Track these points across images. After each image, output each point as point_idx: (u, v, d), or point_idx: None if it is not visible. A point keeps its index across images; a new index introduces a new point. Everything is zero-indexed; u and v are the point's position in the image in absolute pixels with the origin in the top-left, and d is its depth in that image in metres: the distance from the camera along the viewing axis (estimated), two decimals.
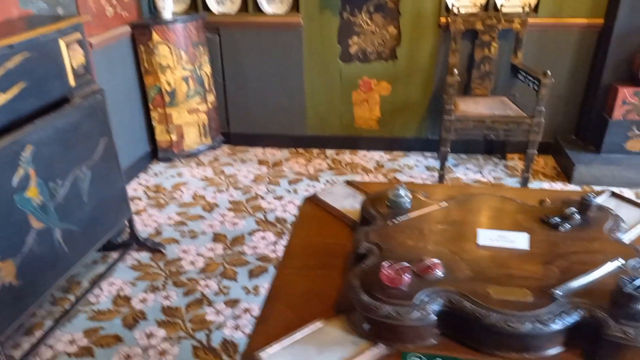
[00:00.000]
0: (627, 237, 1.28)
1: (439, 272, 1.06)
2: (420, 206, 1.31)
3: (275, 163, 3.45)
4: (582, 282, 1.02)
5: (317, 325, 1.04)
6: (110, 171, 2.22)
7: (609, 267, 1.06)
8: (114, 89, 2.94)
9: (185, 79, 3.21)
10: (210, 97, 3.42)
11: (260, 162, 3.46)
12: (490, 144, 3.49)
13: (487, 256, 1.12)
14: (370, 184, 1.72)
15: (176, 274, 2.36)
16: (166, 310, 2.13)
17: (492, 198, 1.35)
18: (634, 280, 0.97)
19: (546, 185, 3.06)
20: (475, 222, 1.25)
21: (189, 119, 3.34)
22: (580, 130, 3.33)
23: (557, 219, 1.22)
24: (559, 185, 3.04)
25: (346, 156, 3.54)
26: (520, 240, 1.15)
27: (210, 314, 2.11)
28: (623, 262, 1.07)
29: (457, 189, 1.57)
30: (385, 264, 1.05)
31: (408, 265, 1.05)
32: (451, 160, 3.42)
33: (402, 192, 1.30)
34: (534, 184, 3.05)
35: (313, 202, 1.52)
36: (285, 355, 0.97)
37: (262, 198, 2.99)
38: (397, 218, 1.26)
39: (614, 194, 1.48)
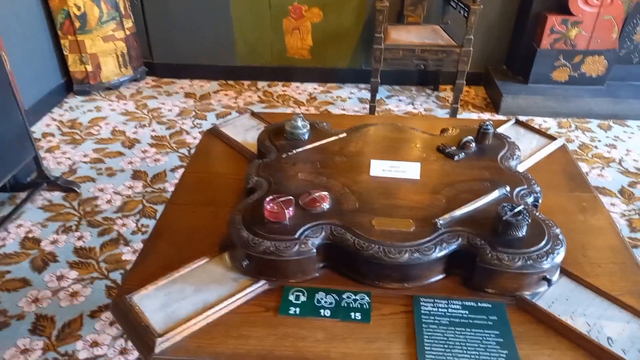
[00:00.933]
0: (521, 166, 1.28)
1: (326, 205, 1.02)
2: (318, 137, 1.26)
3: (203, 96, 3.29)
4: (465, 210, 1.01)
5: (199, 263, 1.00)
6: (5, 105, 2.03)
7: (495, 195, 1.06)
8: (14, 14, 2.65)
9: (97, 1, 2.93)
10: (128, 23, 3.16)
11: (187, 95, 3.29)
12: (423, 75, 3.45)
13: (377, 187, 1.09)
14: (276, 114, 1.64)
15: (91, 213, 2.25)
16: (79, 252, 2.05)
17: (393, 128, 1.31)
18: (513, 208, 0.97)
19: (474, 116, 3.08)
20: (371, 152, 1.21)
21: (105, 48, 3.08)
22: (510, 61, 3.33)
23: (453, 148, 1.20)
24: (486, 116, 3.07)
25: (278, 88, 3.42)
26: (411, 170, 1.13)
27: (126, 254, 2.04)
28: (508, 190, 1.07)
29: (361, 119, 1.53)
30: (268, 197, 1.00)
31: (291, 198, 1.01)
32: (384, 92, 3.37)
33: (299, 123, 1.24)
34: (463, 115, 3.06)
35: (213, 134, 1.44)
36: (159, 296, 0.93)
37: (188, 133, 2.87)
38: (292, 150, 1.20)
39: (517, 122, 1.48)
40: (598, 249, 1.06)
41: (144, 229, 2.16)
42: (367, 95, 3.31)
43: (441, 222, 0.98)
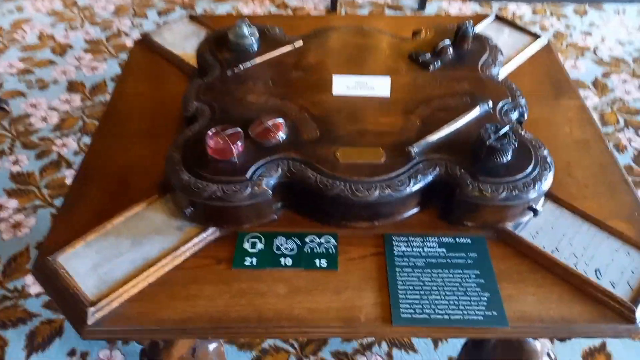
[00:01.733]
0: (504, 71, 1.13)
1: (281, 135, 0.86)
2: (269, 47, 1.06)
3: None
4: (442, 133, 0.88)
5: (135, 210, 0.85)
6: None
7: (475, 112, 0.92)
8: None
9: None
10: None
11: None
12: None
13: (341, 109, 0.93)
14: (220, 17, 1.40)
15: (25, 133, 2.02)
16: (16, 178, 1.86)
17: (357, 32, 1.11)
18: (497, 129, 0.84)
19: (445, 4, 2.83)
20: (333, 65, 1.03)
21: None
22: None
23: (427, 56, 1.03)
24: (457, 5, 2.83)
25: None
26: (380, 86, 0.96)
27: (70, 177, 1.86)
28: (491, 105, 0.93)
29: (319, 22, 1.31)
30: (211, 131, 0.83)
31: (239, 130, 0.84)
32: None
33: (245, 30, 1.03)
34: (431, 5, 2.81)
35: (145, 45, 1.21)
36: (90, 255, 0.79)
37: (127, 35, 2.54)
38: (239, 66, 1.01)
39: (497, 18, 1.30)
40: (585, 167, 0.96)
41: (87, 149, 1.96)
42: None
43: (415, 149, 0.85)
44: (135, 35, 2.53)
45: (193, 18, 1.27)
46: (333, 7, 2.73)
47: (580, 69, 2.34)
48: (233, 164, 0.82)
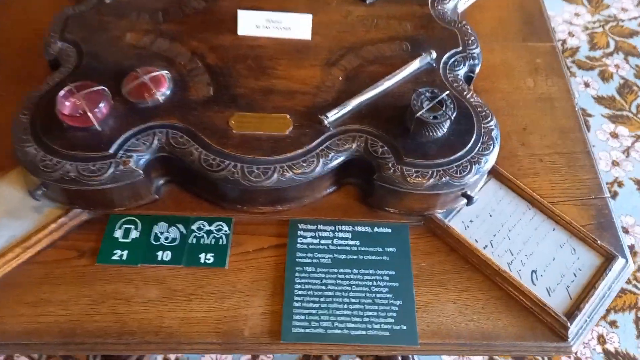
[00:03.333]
0: (461, 6, 0.92)
1: (162, 94, 0.68)
2: None
3: None
4: (368, 95, 0.70)
5: None
6: None
7: (414, 67, 0.73)
8: None
9: None
10: None
11: None
12: None
13: (245, 57, 0.73)
14: None
15: None
16: None
17: None
18: (433, 96, 0.66)
19: None
20: None
21: None
22: None
23: None
24: None
25: None
26: (299, 26, 0.75)
27: None
28: (434, 57, 0.74)
29: None
30: (65, 90, 0.65)
31: (103, 88, 0.65)
32: None
33: None
34: None
35: None
36: None
37: None
38: None
39: None
40: (544, 132, 0.80)
41: None
42: None
43: (330, 119, 0.67)
44: None
45: None
46: None
47: None
48: (95, 134, 0.64)
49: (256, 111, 0.68)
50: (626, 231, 1.40)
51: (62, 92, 0.64)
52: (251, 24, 0.75)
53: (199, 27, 0.76)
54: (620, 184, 1.49)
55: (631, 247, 1.38)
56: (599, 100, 1.66)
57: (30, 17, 0.89)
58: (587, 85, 1.70)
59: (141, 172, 0.64)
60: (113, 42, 0.74)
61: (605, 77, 1.74)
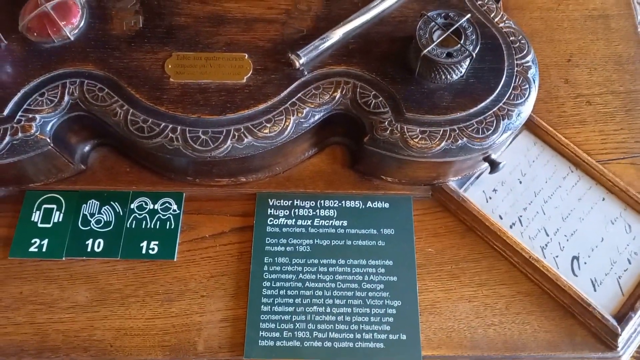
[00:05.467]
0: None
1: (76, 25, 0.49)
2: None
3: None
4: (354, 24, 0.50)
5: None
6: None
7: None
8: None
9: None
10: None
11: None
12: None
13: None
14: None
15: None
16: None
17: None
18: (447, 21, 0.46)
19: None
20: None
21: None
22: None
23: None
24: None
25: None
26: None
27: None
28: None
29: None
30: None
31: None
32: None
33: None
34: None
35: None
36: None
37: None
38: None
39: None
40: (594, 64, 0.60)
41: None
42: None
43: (303, 58, 0.49)
44: None
45: None
46: None
47: None
48: None
49: (202, 50, 0.50)
50: None
51: None
52: None
53: None
54: None
55: None
56: None
57: None
58: None
59: (49, 140, 0.47)
60: None
61: None
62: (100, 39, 0.50)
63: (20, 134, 0.47)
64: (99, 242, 0.52)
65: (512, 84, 0.49)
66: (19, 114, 0.47)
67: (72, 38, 0.50)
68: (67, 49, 0.49)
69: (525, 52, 0.50)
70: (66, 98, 0.48)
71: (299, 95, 0.48)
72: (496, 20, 0.52)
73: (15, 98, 0.47)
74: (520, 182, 0.54)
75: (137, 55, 0.49)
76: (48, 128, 0.48)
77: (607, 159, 0.55)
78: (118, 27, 0.51)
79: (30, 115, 0.47)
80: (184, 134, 0.46)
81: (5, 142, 0.46)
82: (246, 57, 0.49)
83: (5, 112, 0.47)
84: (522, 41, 0.51)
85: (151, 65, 0.49)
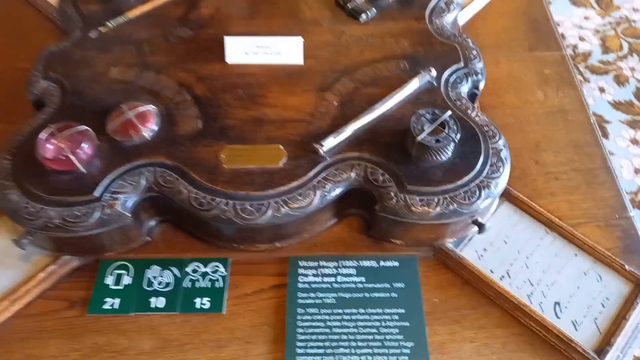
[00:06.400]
0: (466, 14, 0.87)
1: (149, 130, 0.65)
2: None
3: None
4: (365, 120, 0.65)
5: None
6: None
7: (413, 87, 0.69)
8: None
9: None
10: None
11: None
12: None
13: (235, 86, 0.70)
14: None
15: None
16: None
17: None
18: (434, 117, 0.61)
19: None
20: (233, 18, 0.77)
21: None
22: None
23: (359, 1, 0.77)
24: None
25: None
26: (290, 50, 0.72)
27: None
28: (434, 75, 0.70)
29: None
30: (45, 132, 0.62)
31: (86, 129, 0.62)
32: None
33: None
34: None
35: None
36: None
37: None
38: (107, 22, 0.76)
39: None
40: (558, 148, 0.75)
41: None
42: None
43: (326, 147, 0.63)
44: None
45: None
46: None
47: None
48: (78, 177, 0.61)
49: (247, 143, 0.65)
50: None
51: (43, 135, 0.61)
52: (239, 50, 0.72)
53: (186, 57, 0.73)
54: None
55: None
56: (616, 105, 1.60)
57: (14, 54, 0.86)
58: (602, 90, 1.63)
59: (129, 214, 0.61)
60: (97, 77, 0.71)
61: (620, 81, 1.67)
62: (170, 137, 0.65)
63: (107, 210, 0.60)
64: (161, 300, 0.62)
65: (489, 163, 0.63)
66: (107, 195, 0.61)
67: (148, 137, 0.65)
68: (144, 146, 0.64)
69: (497, 138, 0.65)
70: (143, 182, 0.62)
71: (323, 174, 0.62)
72: (473, 115, 0.67)
73: (104, 182, 0.61)
74: (506, 243, 0.66)
75: (198, 148, 0.64)
76: (128, 206, 0.61)
77: (576, 223, 0.67)
78: (183, 129, 0.66)
79: (115, 196, 0.61)
80: (235, 206, 0.59)
81: (95, 216, 0.59)
82: (281, 148, 0.64)
83: (96, 193, 0.60)
84: (494, 130, 0.65)
85: (209, 155, 0.63)
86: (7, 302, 0.61)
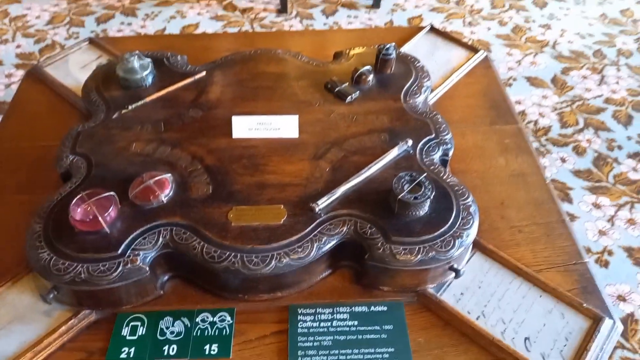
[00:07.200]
0: (436, 93, 1.02)
1: (165, 195, 0.74)
2: (167, 81, 0.93)
3: None
4: (353, 183, 0.76)
5: None
6: None
7: (392, 155, 0.81)
8: None
9: None
10: None
11: None
12: None
13: (240, 157, 0.81)
14: (125, 40, 1.26)
15: None
16: None
17: (271, 58, 0.99)
18: (412, 179, 0.73)
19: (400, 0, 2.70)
20: (237, 100, 0.90)
21: None
22: None
23: (345, 85, 0.92)
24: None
25: None
26: (287, 126, 0.84)
27: None
28: (410, 144, 0.82)
29: (237, 40, 1.19)
30: (76, 199, 0.71)
31: (111, 194, 0.72)
32: None
33: (134, 63, 0.90)
34: (387, 1, 2.67)
35: (36, 78, 1.07)
36: None
37: (62, 47, 2.37)
38: (127, 106, 0.88)
39: (433, 29, 1.18)
40: (520, 205, 0.86)
41: None
42: None
43: (320, 206, 0.73)
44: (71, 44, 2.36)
45: (93, 42, 1.14)
46: (283, 6, 2.58)
47: (539, 65, 2.25)
48: (104, 236, 0.70)
49: (252, 204, 0.74)
50: (623, 299, 1.41)
51: (74, 200, 0.70)
52: (244, 127, 0.84)
53: (198, 133, 0.85)
54: (610, 253, 1.52)
55: (631, 315, 1.38)
56: (577, 173, 1.75)
57: (37, 134, 0.97)
58: (563, 160, 1.79)
59: (147, 268, 0.68)
60: (120, 151, 0.81)
61: (579, 151, 1.84)
62: (184, 201, 0.75)
63: (129, 265, 0.68)
64: (173, 347, 0.69)
65: (460, 217, 0.73)
66: (128, 251, 0.69)
67: (165, 201, 0.74)
68: (161, 208, 0.73)
69: (466, 196, 0.76)
70: (160, 240, 0.70)
71: (318, 229, 0.71)
72: (444, 177, 0.78)
73: (126, 241, 0.69)
74: (480, 287, 0.75)
75: (208, 210, 0.73)
76: (147, 260, 0.69)
77: (539, 269, 0.77)
78: (195, 193, 0.76)
79: (136, 252, 0.69)
80: (242, 258, 0.68)
81: (119, 270, 0.67)
82: (282, 207, 0.74)
83: (120, 250, 0.68)
84: (463, 189, 0.76)
85: (219, 215, 0.73)
86: (31, 354, 0.67)
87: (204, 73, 0.95)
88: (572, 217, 1.62)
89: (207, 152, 0.82)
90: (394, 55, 0.94)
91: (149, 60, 0.92)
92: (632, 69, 2.20)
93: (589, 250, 1.53)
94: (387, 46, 0.94)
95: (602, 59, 2.27)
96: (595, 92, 2.10)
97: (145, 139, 0.83)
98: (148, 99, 0.89)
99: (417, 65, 0.98)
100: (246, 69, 0.97)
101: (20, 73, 2.22)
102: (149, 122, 0.86)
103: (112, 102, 0.89)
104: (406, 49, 1.13)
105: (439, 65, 1.09)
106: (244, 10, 2.62)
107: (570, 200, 1.66)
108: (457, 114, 1.01)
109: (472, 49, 1.13)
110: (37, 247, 0.69)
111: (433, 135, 0.84)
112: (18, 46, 2.37)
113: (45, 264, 0.67)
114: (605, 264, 1.49)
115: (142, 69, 0.90)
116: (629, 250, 1.53)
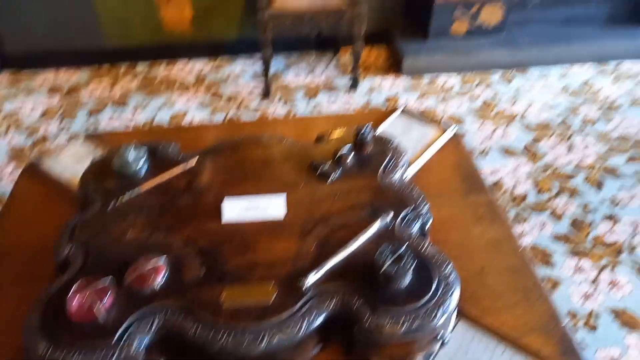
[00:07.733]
0: (411, 170, 1.10)
1: (160, 280, 0.78)
2: (161, 170, 0.99)
3: (72, 89, 2.84)
4: (338, 258, 0.81)
5: None
6: None
7: (374, 228, 0.86)
8: None
9: None
10: None
11: (52, 90, 2.83)
12: (322, 39, 3.19)
13: (231, 238, 0.85)
14: (119, 134, 1.34)
15: None
16: None
17: (258, 143, 1.06)
18: (393, 251, 0.77)
19: (378, 80, 2.89)
20: (227, 185, 0.96)
21: None
22: (410, 17, 3.14)
23: (327, 165, 0.99)
24: (390, 80, 2.89)
25: (161, 70, 3.03)
26: (274, 207, 0.90)
27: None
28: (390, 218, 0.88)
29: (225, 129, 1.27)
30: (72, 290, 0.74)
31: (107, 284, 0.75)
32: (281, 61, 3.08)
33: (130, 156, 0.96)
34: (364, 83, 2.85)
35: (33, 174, 1.13)
36: None
37: (54, 139, 2.46)
38: (122, 196, 0.93)
39: (404, 111, 1.28)
40: (498, 273, 0.91)
41: None
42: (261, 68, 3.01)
43: (308, 282, 0.77)
44: (63, 138, 2.45)
45: (89, 138, 1.21)
46: (266, 93, 2.74)
47: (510, 137, 2.38)
48: (99, 327, 0.72)
49: (243, 283, 0.78)
50: None
51: (70, 292, 0.73)
52: (234, 210, 0.89)
53: (190, 218, 0.89)
54: (596, 317, 1.55)
55: None
56: (557, 238, 1.81)
57: (33, 227, 1.01)
58: (542, 226, 1.86)
59: (143, 353, 0.70)
60: (116, 239, 0.85)
61: (556, 216, 1.92)
62: (178, 284, 0.78)
63: (124, 352, 0.70)
64: None
65: (442, 285, 0.77)
66: (124, 337, 0.71)
67: (159, 286, 0.77)
68: (156, 293, 0.76)
69: (446, 264, 0.80)
70: (155, 324, 0.73)
71: (307, 304, 0.75)
72: (424, 247, 0.83)
73: (123, 327, 0.72)
74: (466, 354, 0.77)
75: (202, 292, 0.77)
76: (142, 345, 0.71)
77: (520, 334, 0.80)
78: (189, 276, 0.79)
79: (132, 338, 0.71)
80: (236, 337, 0.70)
81: (114, 358, 0.69)
82: (272, 286, 0.77)
83: (116, 336, 0.71)
84: (442, 258, 0.81)
85: (211, 296, 0.76)
86: None
87: (194, 161, 1.01)
88: (556, 282, 1.66)
89: (199, 235, 0.86)
90: (370, 137, 1.02)
91: (144, 150, 0.99)
92: (599, 136, 2.34)
93: (574, 315, 1.56)
94: (363, 131, 1.02)
95: (567, 128, 2.42)
96: (566, 159, 2.22)
97: (140, 226, 0.88)
98: (143, 188, 0.94)
99: (392, 145, 1.05)
100: (235, 154, 1.04)
101: (13, 166, 2.29)
102: (143, 210, 0.91)
103: (107, 193, 0.94)
104: (383, 128, 1.21)
105: (414, 142, 1.18)
106: (229, 97, 2.77)
107: (552, 265, 1.70)
108: (433, 187, 1.07)
109: (442, 127, 1.23)
110: (35, 338, 0.71)
111: (411, 208, 0.90)
112: (11, 142, 2.45)
113: (42, 354, 0.69)
114: (593, 328, 1.51)
115: (136, 160, 0.97)
116: (615, 312, 1.56)
